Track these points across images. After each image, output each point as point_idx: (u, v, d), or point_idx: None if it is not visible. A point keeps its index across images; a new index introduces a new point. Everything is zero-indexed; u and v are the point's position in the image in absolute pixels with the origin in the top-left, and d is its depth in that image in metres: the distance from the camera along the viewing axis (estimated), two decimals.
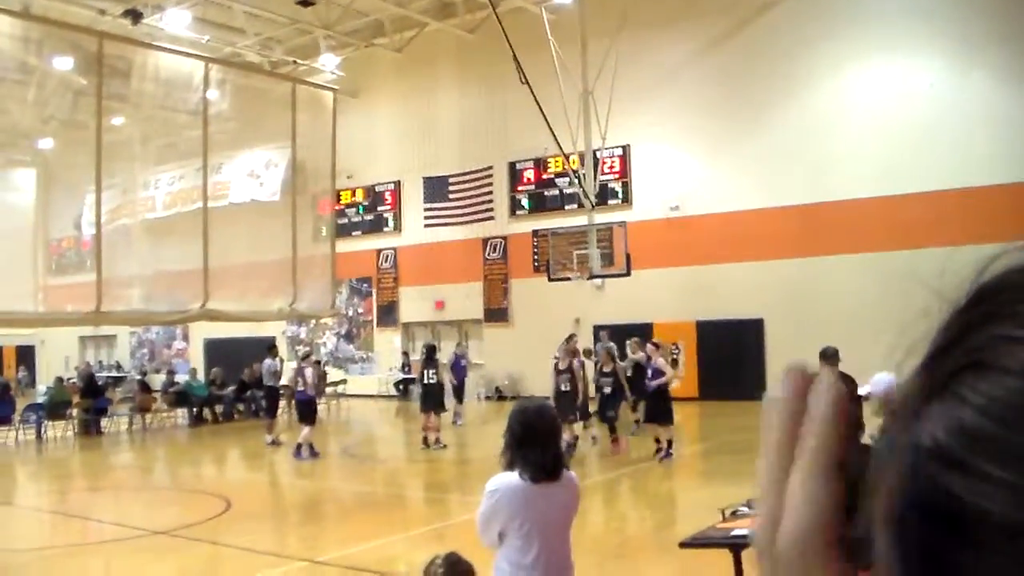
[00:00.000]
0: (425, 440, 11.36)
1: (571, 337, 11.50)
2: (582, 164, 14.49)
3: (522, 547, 2.46)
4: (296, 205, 10.98)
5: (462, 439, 12.82)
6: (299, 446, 10.92)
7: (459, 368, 14.27)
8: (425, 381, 11.50)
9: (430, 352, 11.78)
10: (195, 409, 15.79)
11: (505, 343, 18.09)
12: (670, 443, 9.54)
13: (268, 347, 13.24)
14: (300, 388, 11.20)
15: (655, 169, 16.71)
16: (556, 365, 10.20)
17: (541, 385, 11.02)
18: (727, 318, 15.39)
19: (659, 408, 9.50)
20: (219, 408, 16.12)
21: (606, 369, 10.26)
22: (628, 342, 11.61)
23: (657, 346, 10.07)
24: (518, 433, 2.45)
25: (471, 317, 18.98)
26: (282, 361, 13.68)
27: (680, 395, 14.79)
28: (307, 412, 11.04)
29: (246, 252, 10.54)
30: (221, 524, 7.49)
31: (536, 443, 2.45)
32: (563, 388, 10.06)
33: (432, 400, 11.37)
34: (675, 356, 15.58)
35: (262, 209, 11.26)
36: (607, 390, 10.12)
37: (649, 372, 9.73)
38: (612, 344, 12.16)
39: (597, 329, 14.77)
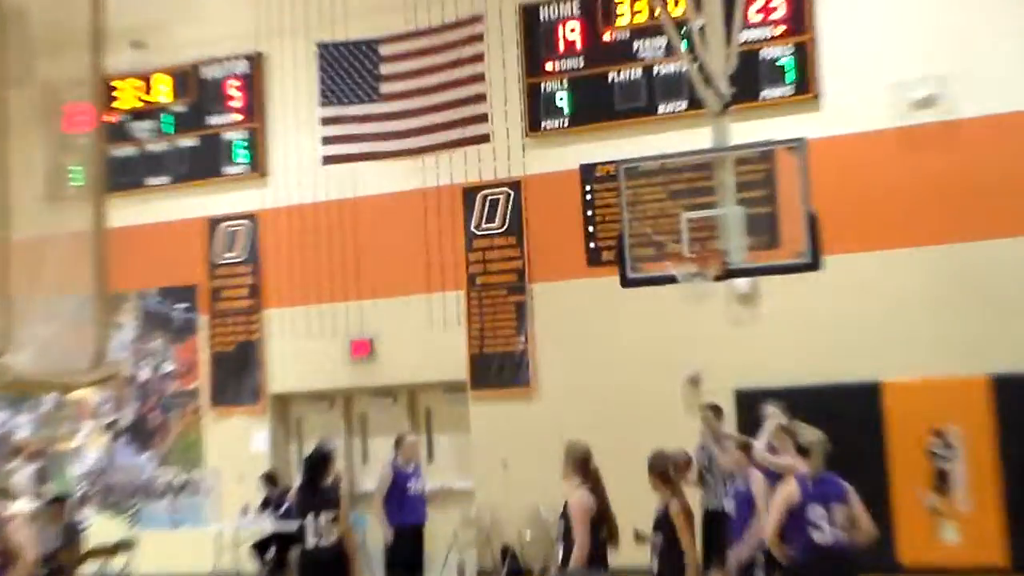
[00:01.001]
0: None
1: (715, 411, 13.49)
2: (697, 7, 14.61)
3: None
4: (4, 113, 10.89)
5: None
6: None
7: (403, 502, 14.83)
8: (310, 544, 11.83)
9: (315, 465, 12.16)
10: None
11: (520, 437, 18.28)
12: None
13: None
14: None
15: (871, 17, 17.27)
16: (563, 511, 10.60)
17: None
18: None
19: None
20: None
21: (660, 503, 10.48)
22: (767, 416, 12.82)
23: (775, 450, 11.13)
24: None
25: (438, 378, 19.46)
26: None
27: (958, 565, 15.70)
28: None
29: None
30: None
31: None
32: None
33: None
34: (943, 465, 15.80)
35: None
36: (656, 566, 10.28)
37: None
38: (716, 424, 13.99)
39: (741, 397, 16.03)
